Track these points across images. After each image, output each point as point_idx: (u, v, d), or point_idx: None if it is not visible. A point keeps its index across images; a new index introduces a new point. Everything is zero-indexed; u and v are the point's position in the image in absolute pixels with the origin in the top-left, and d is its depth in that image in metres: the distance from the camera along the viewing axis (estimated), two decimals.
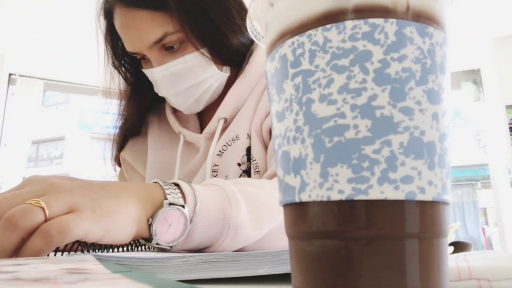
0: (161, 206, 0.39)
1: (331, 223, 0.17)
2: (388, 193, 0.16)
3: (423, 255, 0.16)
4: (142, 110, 0.77)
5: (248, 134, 0.66)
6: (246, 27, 0.67)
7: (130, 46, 0.65)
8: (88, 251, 0.34)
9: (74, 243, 0.33)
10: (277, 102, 0.19)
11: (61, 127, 10.96)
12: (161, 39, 0.62)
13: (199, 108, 0.70)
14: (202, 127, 0.76)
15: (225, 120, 0.68)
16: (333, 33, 0.17)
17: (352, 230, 0.16)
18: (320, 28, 0.18)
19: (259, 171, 0.64)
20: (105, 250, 0.38)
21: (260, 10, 0.21)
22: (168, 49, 0.64)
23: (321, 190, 0.17)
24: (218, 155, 0.67)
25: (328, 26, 0.17)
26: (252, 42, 0.72)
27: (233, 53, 0.66)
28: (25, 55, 3.52)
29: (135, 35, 0.63)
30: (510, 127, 3.35)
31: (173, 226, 0.39)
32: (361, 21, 0.17)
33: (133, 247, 0.42)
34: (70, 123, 10.88)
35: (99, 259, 0.30)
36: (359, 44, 0.17)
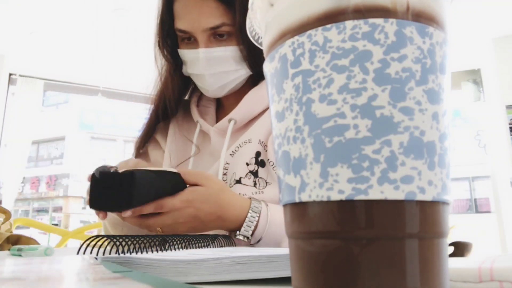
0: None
1: (331, 223, 0.17)
2: (388, 193, 0.16)
3: (423, 255, 0.16)
4: (181, 89, 0.85)
5: (260, 140, 0.74)
6: None
7: (186, 24, 0.72)
8: (123, 253, 0.35)
9: (107, 244, 0.36)
10: (277, 102, 0.19)
11: (61, 127, 10.96)
12: (217, 27, 0.70)
13: (222, 93, 0.78)
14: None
15: (235, 122, 0.76)
16: (333, 33, 0.17)
17: (352, 230, 0.16)
18: (320, 28, 0.18)
19: None
20: (139, 252, 0.38)
21: (260, 10, 0.21)
22: (216, 37, 0.72)
23: (321, 190, 0.17)
24: (230, 155, 0.74)
25: (328, 26, 0.17)
26: None
27: (259, 61, 0.75)
28: (25, 55, 3.52)
29: (197, 17, 0.71)
30: (510, 127, 3.34)
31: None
32: (361, 21, 0.17)
33: (166, 248, 0.43)
34: (70, 123, 10.88)
35: (126, 261, 0.30)
36: (359, 44, 0.17)
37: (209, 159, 0.78)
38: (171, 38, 0.79)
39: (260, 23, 0.22)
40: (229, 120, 0.76)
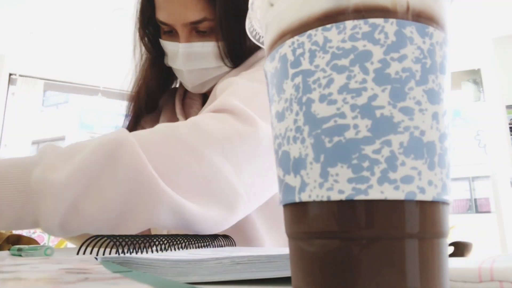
0: None
1: (331, 223, 0.17)
2: (388, 193, 0.16)
3: (423, 255, 0.16)
4: (160, 82, 0.81)
5: None
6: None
7: (166, 17, 0.69)
8: (123, 253, 0.35)
9: (107, 244, 0.35)
10: (277, 102, 0.19)
11: (61, 127, 10.97)
12: (198, 22, 0.67)
13: (203, 90, 0.75)
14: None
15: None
16: (333, 33, 0.17)
17: (352, 230, 0.16)
18: (320, 28, 0.18)
19: None
20: (139, 251, 0.38)
21: (260, 10, 0.21)
22: (198, 32, 0.69)
23: (321, 190, 0.17)
24: None
25: (328, 26, 0.17)
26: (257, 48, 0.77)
27: (243, 54, 0.72)
28: (25, 55, 3.53)
29: (177, 10, 0.67)
30: (510, 127, 3.35)
31: None
32: (361, 21, 0.17)
33: (166, 247, 0.43)
34: (70, 123, 10.89)
35: (126, 261, 0.31)
36: (359, 44, 0.17)
37: None
38: (152, 26, 0.76)
39: (260, 23, 0.22)
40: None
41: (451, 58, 0.19)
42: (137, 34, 0.77)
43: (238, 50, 0.70)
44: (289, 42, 0.19)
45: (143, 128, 0.81)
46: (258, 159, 0.53)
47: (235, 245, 0.58)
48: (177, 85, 0.85)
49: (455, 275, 0.25)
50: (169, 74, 0.80)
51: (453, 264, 0.26)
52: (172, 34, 0.71)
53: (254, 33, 0.24)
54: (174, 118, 0.80)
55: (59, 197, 0.41)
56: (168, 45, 0.71)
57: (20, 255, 0.41)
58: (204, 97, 0.81)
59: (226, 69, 0.72)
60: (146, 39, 0.77)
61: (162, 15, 0.69)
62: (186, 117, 0.78)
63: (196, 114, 0.78)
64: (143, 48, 0.78)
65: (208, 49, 0.69)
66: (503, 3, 2.85)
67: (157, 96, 0.83)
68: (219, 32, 0.68)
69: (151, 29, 0.77)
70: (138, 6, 0.75)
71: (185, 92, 0.82)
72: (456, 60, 3.51)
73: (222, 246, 0.54)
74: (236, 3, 0.66)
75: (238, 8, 0.67)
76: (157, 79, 0.79)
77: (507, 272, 0.23)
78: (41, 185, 0.41)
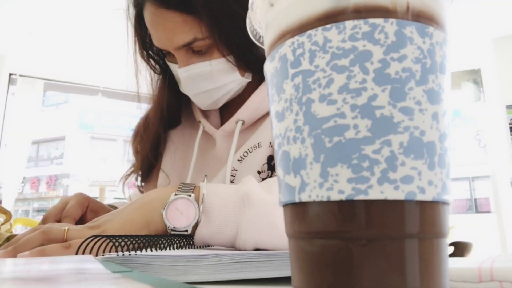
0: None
1: (331, 223, 0.17)
2: (388, 193, 0.16)
3: (423, 255, 0.16)
4: (179, 96, 0.75)
5: (270, 143, 0.66)
6: None
7: (158, 43, 0.65)
8: (122, 252, 0.35)
9: (108, 244, 0.36)
10: (277, 102, 0.19)
11: (61, 127, 10.96)
12: (190, 43, 0.62)
13: (217, 106, 0.71)
14: (222, 123, 0.77)
15: (243, 122, 0.69)
16: (333, 33, 0.17)
17: (352, 230, 0.16)
18: (320, 28, 0.18)
19: None
20: (139, 250, 0.38)
21: (260, 10, 0.21)
22: (195, 52, 0.64)
23: (321, 190, 0.17)
24: (238, 160, 0.67)
25: (328, 26, 0.17)
26: None
27: (258, 61, 0.67)
28: (25, 55, 3.52)
29: (164, 35, 0.63)
30: (510, 127, 3.34)
31: (184, 213, 0.47)
32: (361, 21, 0.17)
33: (166, 246, 0.43)
34: (70, 123, 10.88)
35: (126, 260, 0.31)
36: (359, 44, 0.17)
37: (215, 164, 0.70)
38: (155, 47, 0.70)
39: (260, 23, 0.22)
40: (237, 121, 0.69)
41: (451, 58, 0.19)
42: (137, 57, 0.73)
43: (251, 56, 0.65)
44: (289, 42, 0.19)
45: (172, 140, 0.78)
46: None
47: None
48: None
49: (455, 275, 0.25)
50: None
51: (453, 264, 0.26)
52: (174, 56, 0.67)
53: (254, 32, 0.24)
54: (194, 125, 0.77)
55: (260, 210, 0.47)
56: (172, 67, 0.68)
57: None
58: None
59: (238, 82, 0.67)
60: (151, 61, 0.74)
61: (154, 41, 0.65)
62: (207, 118, 0.75)
63: (215, 119, 0.76)
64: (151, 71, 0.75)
65: (214, 67, 0.64)
66: (503, 3, 2.85)
67: (179, 112, 0.78)
68: (221, 47, 0.63)
69: (155, 49, 0.73)
70: (137, 35, 0.71)
71: None
72: (456, 60, 3.50)
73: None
74: (228, 12, 0.62)
75: (233, 16, 0.62)
76: (175, 97, 0.75)
77: (507, 272, 0.23)
78: (246, 197, 0.48)
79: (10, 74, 3.71)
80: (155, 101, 0.77)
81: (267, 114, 0.70)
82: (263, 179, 0.64)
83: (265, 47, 0.21)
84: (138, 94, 0.77)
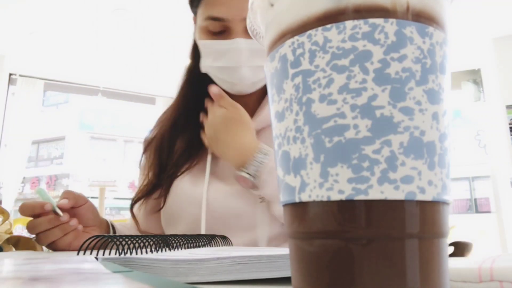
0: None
1: (331, 223, 0.17)
2: (388, 193, 0.16)
3: (423, 255, 0.16)
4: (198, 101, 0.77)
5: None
6: None
7: (226, 11, 0.68)
8: (125, 253, 0.35)
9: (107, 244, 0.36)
10: (277, 102, 0.19)
11: (61, 127, 10.96)
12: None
13: (251, 89, 0.74)
14: None
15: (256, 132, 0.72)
16: (333, 33, 0.17)
17: (352, 230, 0.16)
18: (320, 28, 0.18)
19: None
20: (139, 251, 0.38)
21: (260, 10, 0.21)
22: (247, 33, 0.67)
23: (321, 190, 0.17)
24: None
25: (328, 26, 0.17)
26: None
27: None
28: (25, 55, 3.52)
29: (235, 4, 0.67)
30: (510, 127, 3.34)
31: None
32: (361, 21, 0.17)
33: (161, 248, 0.43)
34: (70, 123, 10.88)
35: (126, 262, 0.31)
36: (359, 44, 0.17)
37: (229, 169, 0.72)
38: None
39: (260, 23, 0.22)
40: None
41: (451, 58, 0.19)
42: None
43: None
44: (289, 42, 0.19)
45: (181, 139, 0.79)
46: None
47: (232, 245, 0.58)
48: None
49: (455, 275, 0.25)
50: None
51: (453, 264, 0.26)
52: (220, 35, 0.70)
53: (254, 32, 0.24)
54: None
55: None
56: (218, 44, 0.69)
57: None
58: None
59: None
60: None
61: (219, 11, 0.68)
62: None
63: None
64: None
65: (261, 48, 0.67)
66: (503, 3, 2.85)
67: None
68: None
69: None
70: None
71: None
72: (456, 60, 3.50)
73: (219, 246, 0.54)
74: None
75: None
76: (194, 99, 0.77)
77: (507, 272, 0.23)
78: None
79: (10, 74, 3.71)
80: (178, 108, 0.78)
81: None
82: None
83: (265, 47, 0.21)
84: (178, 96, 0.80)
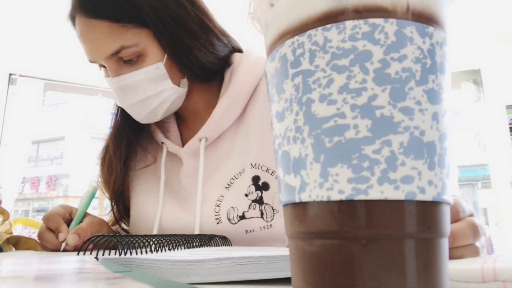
0: None
1: (331, 223, 0.17)
2: (388, 193, 0.16)
3: (423, 255, 0.16)
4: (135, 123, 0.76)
5: (252, 164, 0.67)
6: (211, 44, 0.67)
7: (88, 55, 0.67)
8: (125, 253, 0.35)
9: (107, 244, 0.36)
10: (277, 102, 0.19)
11: (61, 127, 10.96)
12: (117, 52, 0.63)
13: (157, 118, 0.71)
14: (183, 141, 0.77)
15: (206, 139, 0.70)
16: (333, 33, 0.17)
17: (352, 230, 0.16)
18: (320, 28, 0.18)
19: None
20: (139, 251, 0.38)
21: (260, 10, 0.21)
22: (126, 62, 0.65)
23: (321, 190, 0.17)
24: (226, 187, 0.68)
25: (328, 26, 0.17)
26: (225, 61, 0.73)
27: (198, 68, 0.68)
28: (25, 55, 3.52)
29: (92, 46, 0.64)
30: (510, 127, 3.34)
31: None
32: (361, 21, 0.17)
33: (161, 248, 0.43)
34: (70, 123, 10.88)
35: (127, 262, 0.31)
36: (359, 44, 0.17)
37: (187, 183, 0.71)
38: None
39: (260, 23, 0.22)
40: (200, 139, 0.70)
41: (451, 58, 0.19)
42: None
43: (188, 62, 0.66)
44: (289, 42, 0.19)
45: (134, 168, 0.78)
46: None
47: (231, 245, 0.58)
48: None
49: (457, 276, 0.25)
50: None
51: (456, 265, 0.26)
52: (104, 69, 0.68)
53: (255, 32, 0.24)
54: (154, 143, 0.77)
55: None
56: (107, 82, 0.68)
57: None
58: (176, 116, 0.78)
59: (174, 90, 0.67)
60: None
61: (86, 54, 0.67)
62: (169, 139, 0.75)
63: (176, 137, 0.75)
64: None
65: (143, 76, 0.64)
66: (504, 3, 2.85)
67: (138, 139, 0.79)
68: (154, 51, 0.64)
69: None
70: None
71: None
72: (456, 60, 3.50)
73: (218, 246, 0.54)
74: (159, 15, 0.63)
75: (170, 17, 0.63)
76: (133, 125, 0.75)
77: (510, 272, 0.23)
78: None
79: (10, 74, 3.71)
80: (114, 132, 0.77)
81: (229, 129, 0.71)
82: (253, 201, 0.65)
83: (265, 47, 0.21)
84: None
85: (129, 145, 0.77)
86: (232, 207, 0.66)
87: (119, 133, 0.76)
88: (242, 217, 0.64)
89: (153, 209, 0.71)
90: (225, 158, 0.70)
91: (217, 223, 0.65)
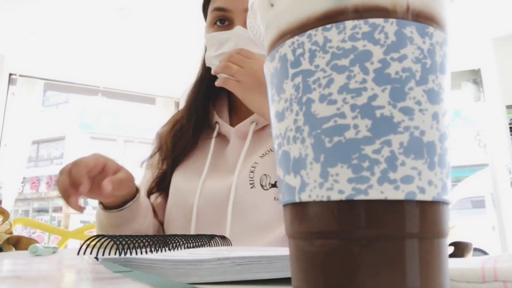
0: None
1: (331, 223, 0.17)
2: (388, 193, 0.16)
3: (423, 255, 0.16)
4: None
5: None
6: None
7: (228, 2, 0.73)
8: (125, 253, 0.35)
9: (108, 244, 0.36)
10: (277, 102, 0.19)
11: (61, 127, 10.96)
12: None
13: None
14: (232, 125, 0.82)
15: (257, 123, 0.75)
16: (333, 33, 0.17)
17: (352, 230, 0.16)
18: (320, 28, 0.18)
19: None
20: (139, 251, 0.38)
21: (260, 10, 0.21)
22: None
23: (321, 190, 0.17)
24: (260, 156, 0.72)
25: (328, 26, 0.17)
26: None
27: None
28: (25, 55, 3.52)
29: None
30: (510, 127, 3.34)
31: None
32: (361, 21, 0.17)
33: (161, 248, 0.43)
34: (70, 123, 10.87)
35: (127, 262, 0.31)
36: (359, 44, 0.17)
37: (230, 160, 0.75)
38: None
39: (260, 23, 0.22)
40: (251, 122, 0.75)
41: (451, 58, 0.19)
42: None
43: None
44: (289, 42, 0.19)
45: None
46: None
47: (231, 245, 0.58)
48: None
49: (458, 276, 0.25)
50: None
51: (456, 265, 0.26)
52: (223, 25, 0.73)
53: (254, 32, 0.24)
54: (206, 127, 0.82)
55: None
56: (220, 35, 0.73)
57: (40, 255, 0.42)
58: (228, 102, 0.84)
59: None
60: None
61: (221, 1, 0.73)
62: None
63: (226, 120, 0.80)
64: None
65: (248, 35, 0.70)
66: (503, 3, 2.84)
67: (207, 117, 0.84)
68: None
69: None
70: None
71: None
72: (456, 60, 3.50)
73: (218, 246, 0.54)
74: None
75: None
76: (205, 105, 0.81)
77: (511, 272, 0.23)
78: None
79: (10, 74, 3.71)
80: (188, 109, 0.82)
81: None
82: None
83: (265, 47, 0.21)
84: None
85: (200, 119, 0.81)
86: (265, 175, 0.70)
87: (195, 107, 0.82)
88: (274, 185, 0.68)
89: (196, 178, 0.74)
90: (266, 144, 0.75)
91: (251, 187, 0.69)
